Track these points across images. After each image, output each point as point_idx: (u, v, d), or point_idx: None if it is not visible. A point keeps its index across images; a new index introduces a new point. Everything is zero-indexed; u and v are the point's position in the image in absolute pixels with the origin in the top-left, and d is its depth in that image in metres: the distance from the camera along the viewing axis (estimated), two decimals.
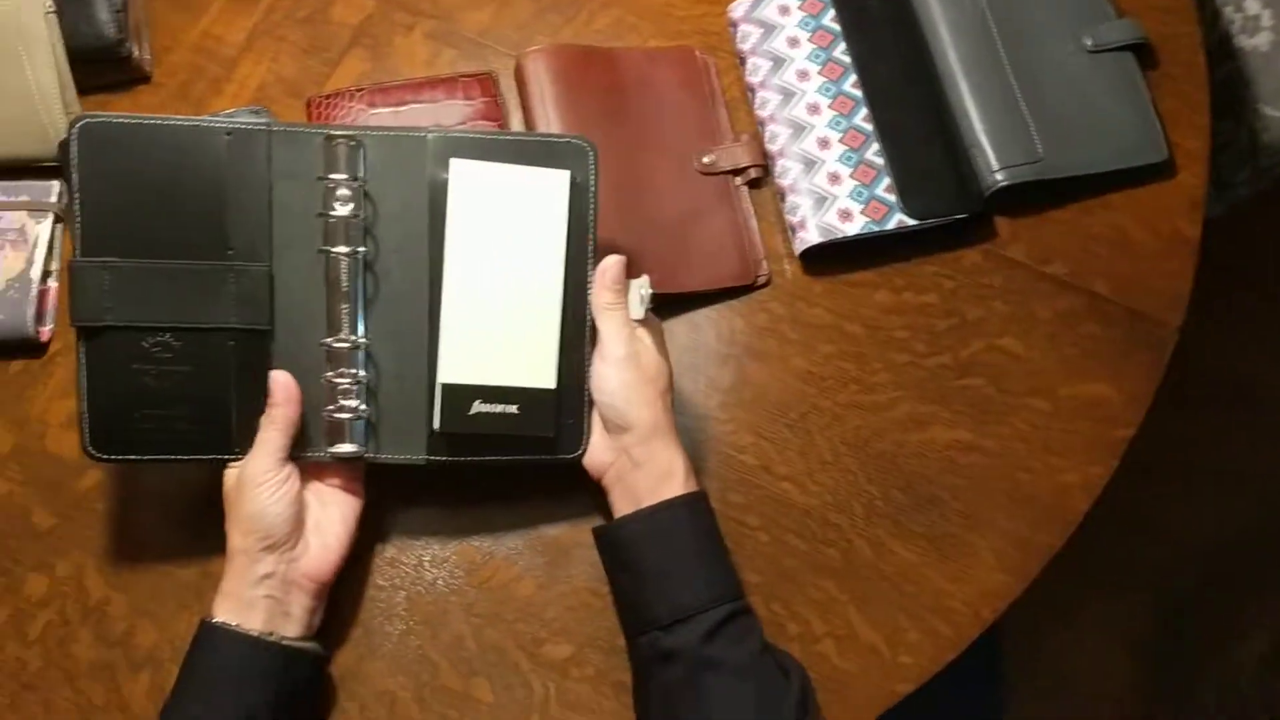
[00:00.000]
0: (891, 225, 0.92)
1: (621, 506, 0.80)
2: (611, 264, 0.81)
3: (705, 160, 0.96)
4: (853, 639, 0.86)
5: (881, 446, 0.91)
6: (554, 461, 0.82)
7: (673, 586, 0.78)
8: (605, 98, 0.96)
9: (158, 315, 0.76)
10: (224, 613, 0.77)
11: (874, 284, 0.95)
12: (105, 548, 0.88)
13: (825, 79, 0.96)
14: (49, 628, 0.86)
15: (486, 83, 0.97)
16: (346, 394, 0.79)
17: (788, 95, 0.96)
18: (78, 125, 0.75)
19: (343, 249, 0.78)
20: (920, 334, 0.94)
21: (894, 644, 0.86)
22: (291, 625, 0.78)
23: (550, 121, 0.93)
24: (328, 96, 0.95)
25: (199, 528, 0.87)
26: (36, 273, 0.91)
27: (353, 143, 0.78)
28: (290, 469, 0.78)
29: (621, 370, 0.79)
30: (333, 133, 0.78)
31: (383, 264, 0.79)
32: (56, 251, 0.94)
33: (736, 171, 0.96)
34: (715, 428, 0.91)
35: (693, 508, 0.80)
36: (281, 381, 0.78)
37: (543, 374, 0.80)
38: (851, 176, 0.93)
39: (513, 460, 0.81)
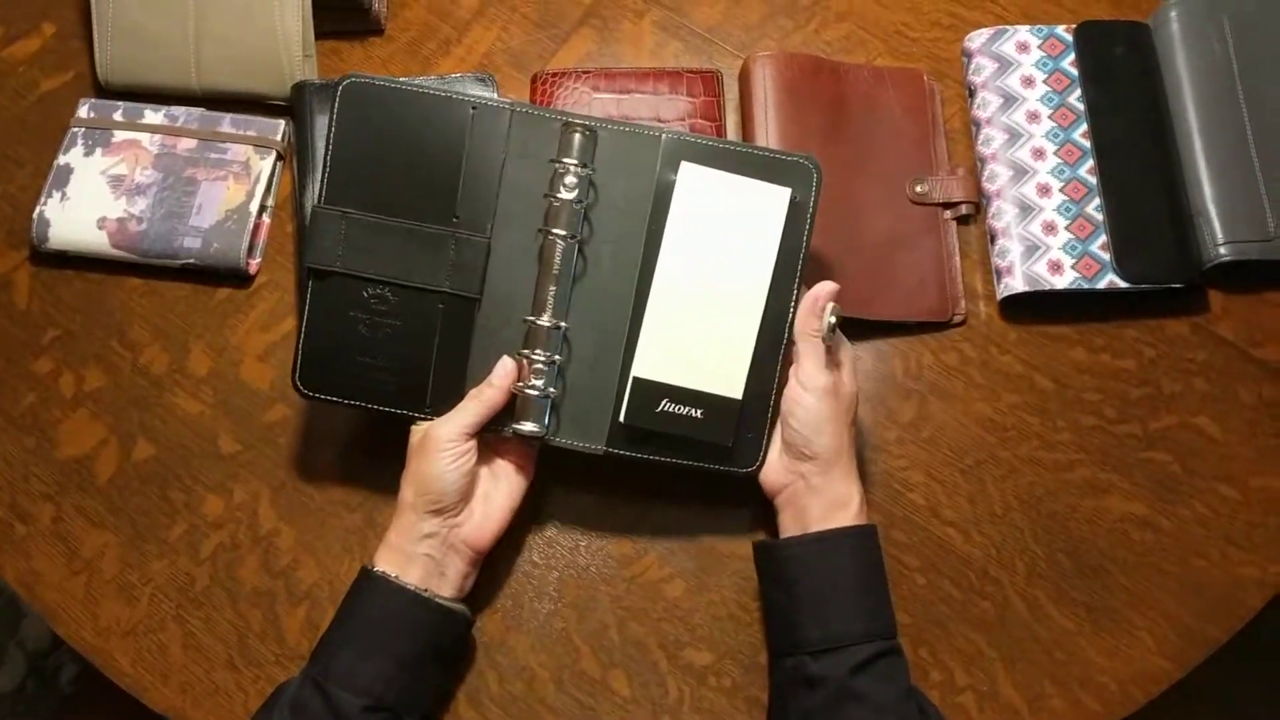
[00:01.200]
0: (1102, 285, 0.90)
1: (790, 528, 0.80)
2: (824, 291, 0.80)
3: (918, 189, 0.94)
4: (994, 697, 0.85)
5: (1054, 507, 0.89)
6: (727, 473, 0.82)
7: (829, 614, 0.77)
8: (827, 112, 0.95)
9: (381, 269, 0.80)
10: (385, 563, 0.79)
11: (1071, 340, 0.93)
12: (281, 481, 0.91)
13: (1055, 124, 0.94)
14: (219, 549, 0.89)
15: (710, 80, 0.97)
16: (538, 374, 0.80)
17: (1014, 136, 0.94)
18: (344, 83, 0.80)
19: (561, 231, 0.79)
20: (1111, 399, 0.91)
21: (1036, 709, 0.85)
22: (445, 586, 0.80)
23: (769, 129, 0.93)
24: (554, 74, 0.96)
25: (370, 479, 0.90)
26: (255, 206, 0.95)
27: (588, 132, 0.79)
28: (473, 443, 0.80)
29: (819, 400, 0.79)
30: (571, 120, 0.79)
31: (594, 251, 0.81)
32: (274, 188, 0.97)
33: (947, 205, 0.95)
34: (888, 461, 0.90)
35: (861, 540, 0.79)
36: (507, 368, 0.80)
37: (732, 384, 0.80)
38: (1068, 229, 0.91)
39: (687, 465, 0.82)
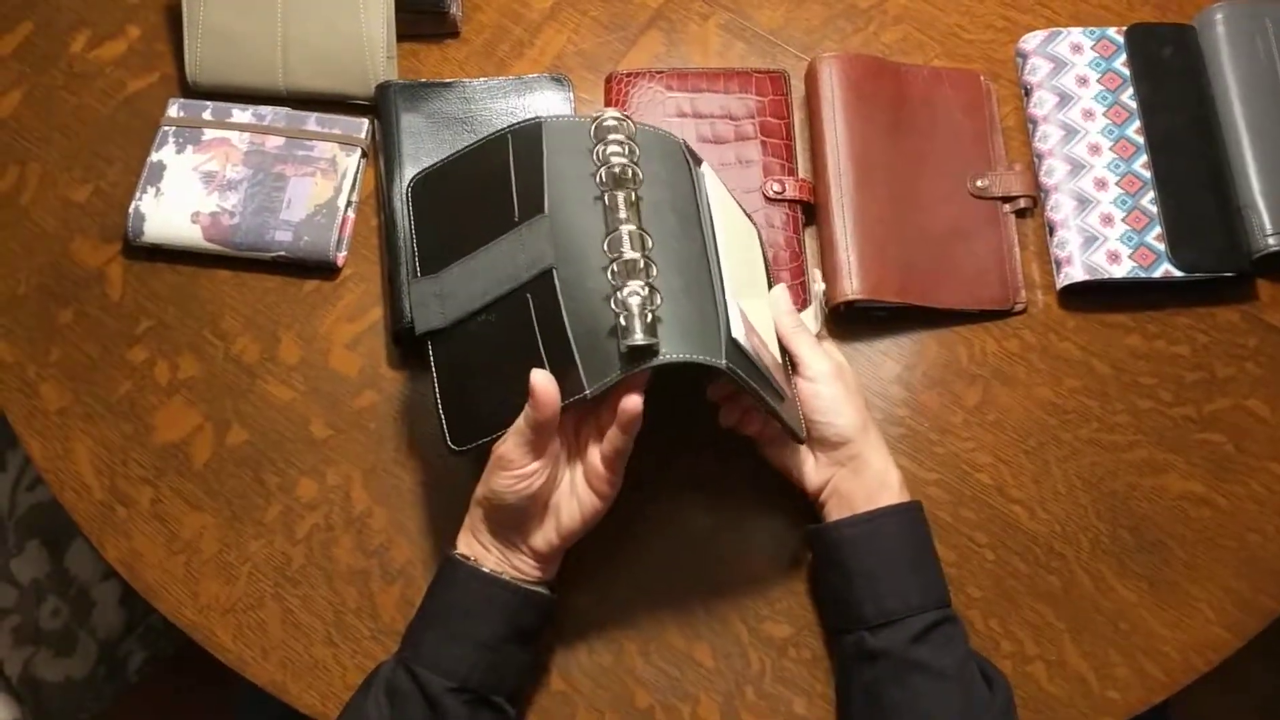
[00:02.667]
0: (1158, 274, 0.94)
1: (837, 514, 0.85)
2: (781, 293, 0.88)
3: (979, 184, 0.98)
4: (1063, 665, 0.89)
5: (1114, 486, 0.93)
6: (791, 432, 0.83)
7: (882, 590, 0.81)
8: (890, 110, 0.99)
9: (476, 300, 0.81)
10: (465, 547, 0.82)
11: (1127, 327, 0.97)
12: (372, 465, 0.94)
13: (1109, 121, 0.98)
14: (315, 530, 0.93)
15: (778, 81, 1.01)
16: (635, 294, 0.73)
17: (1070, 132, 0.98)
18: (411, 183, 0.88)
19: (619, 186, 0.78)
20: (1167, 383, 0.96)
21: (1103, 677, 0.89)
22: (518, 577, 0.82)
23: (837, 126, 0.97)
24: (628, 75, 1.00)
25: (458, 461, 0.92)
26: (342, 201, 0.98)
27: (621, 119, 0.81)
28: (539, 466, 0.77)
29: (831, 384, 0.84)
30: (603, 118, 0.81)
31: (650, 205, 0.79)
32: (358, 184, 1.01)
33: (1007, 199, 0.99)
34: (956, 443, 0.94)
35: (908, 516, 0.84)
36: (540, 383, 0.74)
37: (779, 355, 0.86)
38: (1124, 220, 0.95)
39: (772, 409, 0.79)
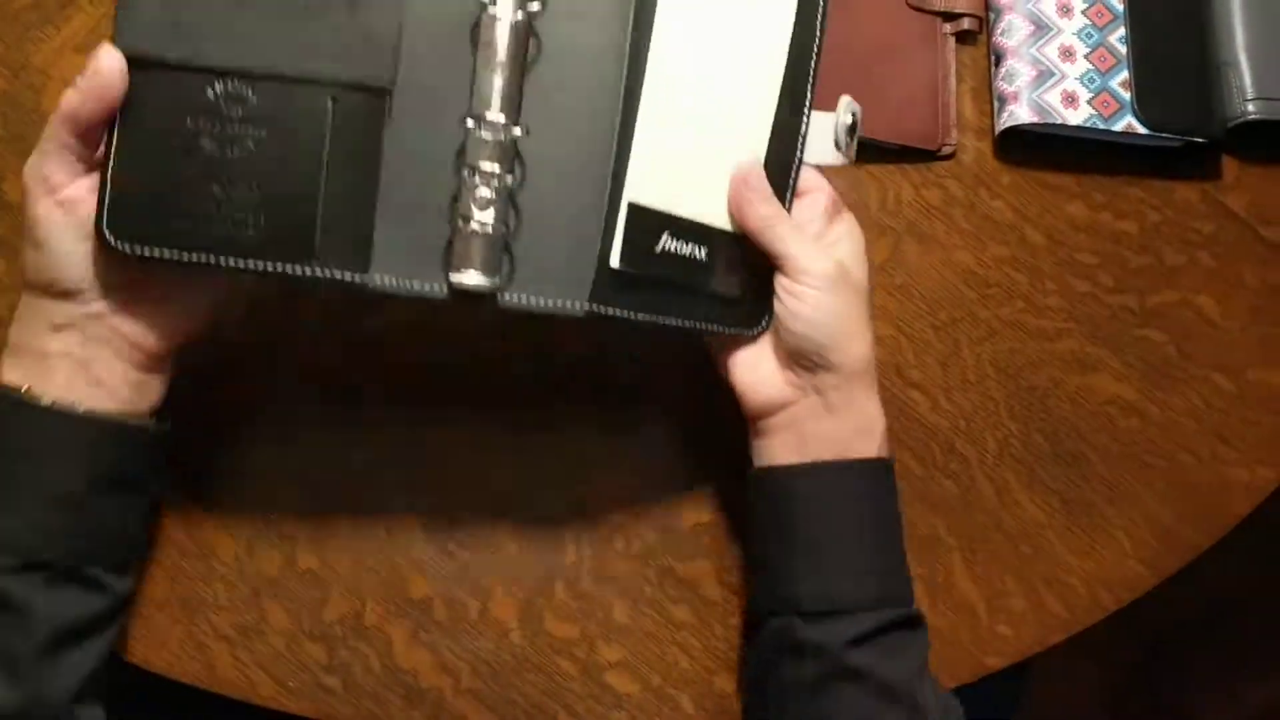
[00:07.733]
0: (1119, 127, 0.76)
1: (785, 454, 0.63)
2: (750, 171, 0.61)
3: None
4: (949, 590, 0.73)
5: (1035, 380, 0.76)
6: (733, 334, 0.64)
7: (830, 569, 0.61)
8: None
9: (234, 54, 0.54)
10: (12, 370, 0.57)
11: (1070, 192, 0.79)
12: None
13: None
14: None
15: None
16: (483, 202, 0.56)
17: None
18: None
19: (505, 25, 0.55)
20: (1109, 264, 0.79)
21: (994, 609, 0.73)
22: (103, 396, 0.57)
23: None
24: None
25: None
26: None
27: None
28: (79, 185, 0.55)
29: (830, 293, 0.60)
30: None
31: (553, 33, 0.56)
32: None
33: (948, 16, 0.79)
34: None
35: (880, 477, 0.63)
36: (110, 63, 0.52)
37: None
38: (1087, 58, 0.77)
39: (683, 327, 0.62)
